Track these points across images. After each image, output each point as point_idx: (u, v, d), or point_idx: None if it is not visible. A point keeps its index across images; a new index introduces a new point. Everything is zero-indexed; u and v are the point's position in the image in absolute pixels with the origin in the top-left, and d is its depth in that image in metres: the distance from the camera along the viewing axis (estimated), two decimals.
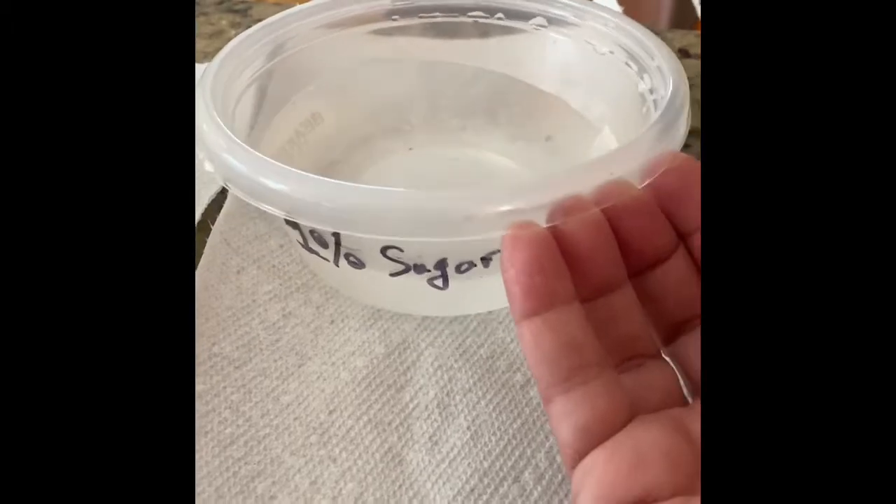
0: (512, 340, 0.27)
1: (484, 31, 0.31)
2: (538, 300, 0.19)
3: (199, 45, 0.40)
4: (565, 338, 0.19)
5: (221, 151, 0.22)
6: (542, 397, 0.19)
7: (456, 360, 0.26)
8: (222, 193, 0.32)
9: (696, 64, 0.38)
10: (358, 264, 0.24)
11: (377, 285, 0.25)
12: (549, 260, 0.19)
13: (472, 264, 0.23)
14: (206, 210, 0.31)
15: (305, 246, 0.25)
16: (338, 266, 0.24)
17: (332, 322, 0.28)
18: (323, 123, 0.32)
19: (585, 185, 0.20)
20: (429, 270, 0.23)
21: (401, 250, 0.22)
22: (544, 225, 0.20)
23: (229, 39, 0.40)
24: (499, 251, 0.22)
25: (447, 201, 0.20)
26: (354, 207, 0.20)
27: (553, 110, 0.32)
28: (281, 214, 0.21)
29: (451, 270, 0.23)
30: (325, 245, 0.24)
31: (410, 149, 0.33)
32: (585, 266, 0.19)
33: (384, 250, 0.23)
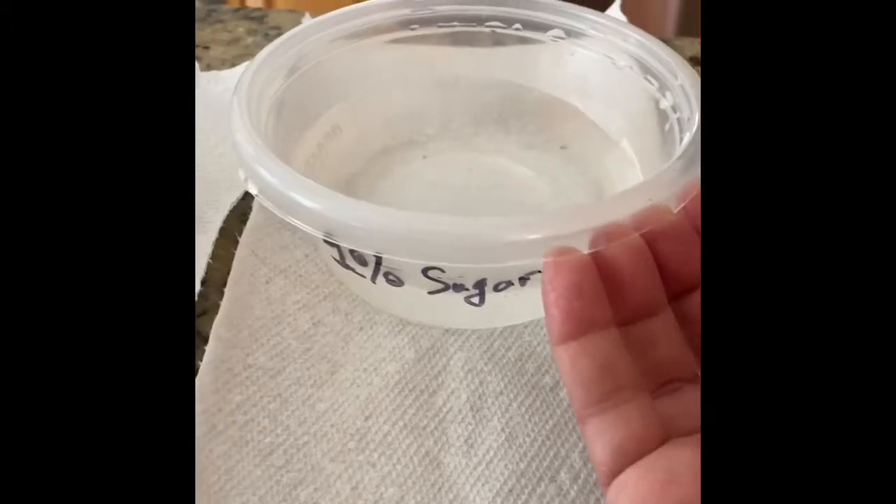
0: (539, 343, 0.28)
1: (501, 42, 0.32)
2: (576, 325, 0.20)
3: (217, 52, 0.40)
4: (601, 362, 0.19)
5: (267, 174, 0.23)
6: (578, 417, 0.20)
7: (485, 364, 0.27)
8: (243, 200, 0.32)
9: None
10: (397, 282, 0.24)
11: (412, 301, 0.26)
12: (589, 286, 0.20)
13: (509, 283, 0.24)
14: (228, 217, 0.32)
15: (341, 262, 0.25)
16: (374, 283, 0.25)
17: (361, 329, 0.28)
18: (342, 135, 0.32)
19: (625, 211, 0.21)
20: (467, 289, 0.24)
21: (442, 271, 0.23)
22: (586, 251, 0.20)
23: (246, 47, 0.41)
24: (537, 271, 0.23)
25: (491, 228, 0.21)
26: (402, 233, 0.21)
27: (569, 120, 0.33)
28: (326, 237, 0.22)
29: (488, 289, 0.24)
30: (364, 263, 0.24)
31: (424, 157, 0.33)
32: (626, 290, 0.20)
33: (426, 271, 0.23)
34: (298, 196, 0.22)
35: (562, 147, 0.33)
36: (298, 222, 0.23)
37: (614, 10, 0.43)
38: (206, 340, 0.27)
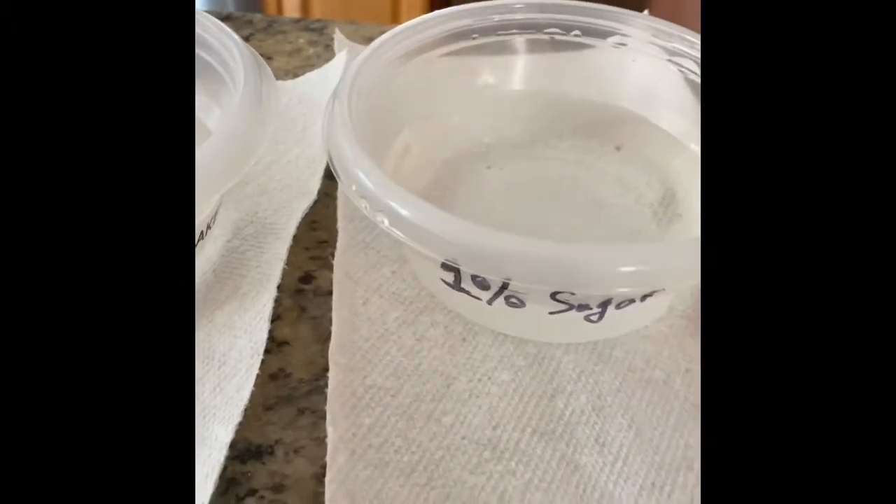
0: (639, 340, 0.28)
1: (559, 49, 0.33)
2: None
3: (280, 62, 0.40)
4: None
5: (395, 205, 0.24)
6: None
7: (595, 365, 0.28)
8: (312, 207, 0.32)
9: None
10: (518, 305, 0.25)
11: (525, 320, 0.27)
12: None
13: (631, 301, 0.25)
14: (300, 223, 0.32)
15: (456, 286, 0.25)
16: (491, 305, 0.25)
17: (464, 340, 0.28)
18: (411, 153, 0.32)
19: None
20: (591, 308, 0.25)
21: (572, 293, 0.24)
22: None
23: (307, 58, 0.41)
24: (660, 289, 0.24)
25: (636, 254, 0.22)
26: (548, 261, 0.22)
27: (623, 123, 0.34)
28: (450, 262, 0.22)
29: (611, 307, 0.25)
30: (486, 287, 0.25)
31: (489, 167, 0.34)
32: None
33: (554, 294, 0.24)
34: (429, 224, 0.23)
35: (616, 148, 0.34)
36: (428, 251, 0.23)
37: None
38: (278, 345, 0.28)
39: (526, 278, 0.23)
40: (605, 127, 0.34)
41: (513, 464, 0.25)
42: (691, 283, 0.23)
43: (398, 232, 0.24)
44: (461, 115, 0.34)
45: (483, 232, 0.23)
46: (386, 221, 0.24)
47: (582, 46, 0.33)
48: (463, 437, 0.25)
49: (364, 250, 0.31)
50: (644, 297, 0.25)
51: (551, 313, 0.25)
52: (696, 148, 0.31)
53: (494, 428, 0.26)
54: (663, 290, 0.25)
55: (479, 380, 0.27)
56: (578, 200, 0.33)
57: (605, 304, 0.25)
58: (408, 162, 0.32)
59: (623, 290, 0.24)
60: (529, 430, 0.26)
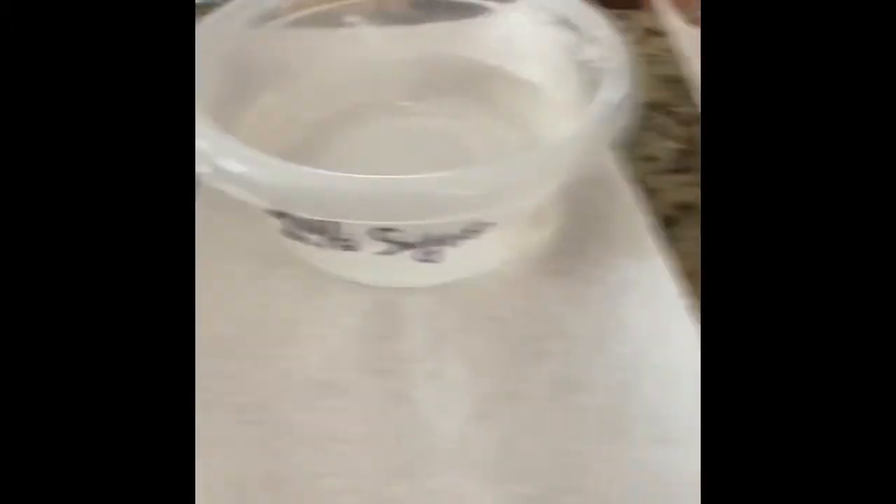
0: (488, 280, 0.28)
1: (432, 9, 0.34)
2: None
3: None
4: None
5: (225, 160, 0.24)
6: None
7: (441, 306, 0.28)
8: None
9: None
10: (352, 247, 0.26)
11: (368, 265, 0.27)
12: None
13: (459, 238, 0.25)
14: None
15: (289, 234, 0.26)
16: (326, 250, 0.26)
17: (316, 291, 0.29)
18: (276, 114, 0.33)
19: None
20: (414, 248, 0.25)
21: (390, 230, 0.24)
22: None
23: None
24: (489, 223, 0.25)
25: (435, 184, 0.23)
26: (353, 195, 0.23)
27: (496, 81, 0.34)
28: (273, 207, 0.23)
29: (439, 246, 0.26)
30: (313, 231, 0.25)
31: (360, 126, 0.34)
32: None
33: (375, 233, 0.24)
34: (240, 167, 0.24)
35: (491, 104, 0.35)
36: (250, 195, 0.24)
37: None
38: None
39: (335, 213, 0.24)
40: (475, 83, 0.35)
41: (344, 402, 0.25)
42: (495, 211, 0.23)
43: (219, 181, 0.24)
44: (329, 76, 0.35)
45: (292, 170, 0.24)
46: (207, 168, 0.24)
47: (452, 6, 0.34)
48: (298, 381, 0.26)
49: (217, 211, 0.31)
50: (471, 233, 0.26)
51: (379, 254, 0.26)
52: (557, 95, 0.32)
53: (331, 370, 0.26)
54: (494, 223, 0.25)
55: (326, 325, 0.27)
56: (449, 155, 0.33)
57: (429, 243, 0.25)
58: (271, 122, 0.32)
59: (439, 221, 0.24)
60: (365, 369, 0.26)
